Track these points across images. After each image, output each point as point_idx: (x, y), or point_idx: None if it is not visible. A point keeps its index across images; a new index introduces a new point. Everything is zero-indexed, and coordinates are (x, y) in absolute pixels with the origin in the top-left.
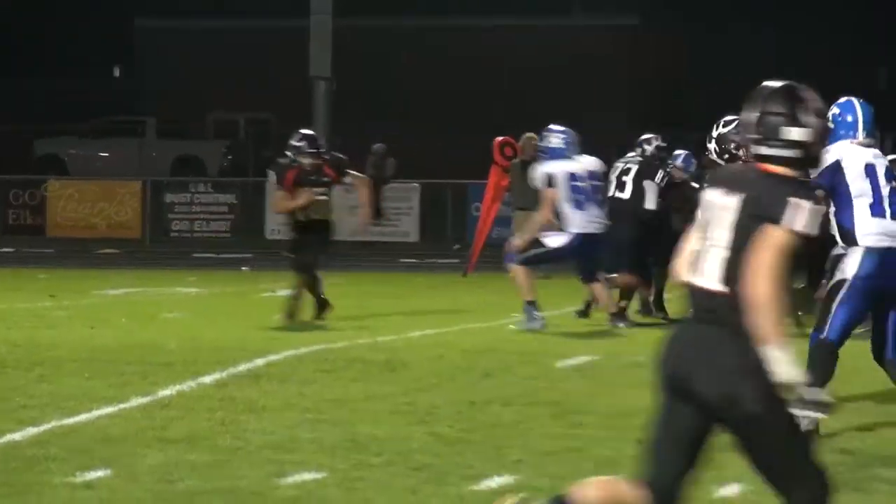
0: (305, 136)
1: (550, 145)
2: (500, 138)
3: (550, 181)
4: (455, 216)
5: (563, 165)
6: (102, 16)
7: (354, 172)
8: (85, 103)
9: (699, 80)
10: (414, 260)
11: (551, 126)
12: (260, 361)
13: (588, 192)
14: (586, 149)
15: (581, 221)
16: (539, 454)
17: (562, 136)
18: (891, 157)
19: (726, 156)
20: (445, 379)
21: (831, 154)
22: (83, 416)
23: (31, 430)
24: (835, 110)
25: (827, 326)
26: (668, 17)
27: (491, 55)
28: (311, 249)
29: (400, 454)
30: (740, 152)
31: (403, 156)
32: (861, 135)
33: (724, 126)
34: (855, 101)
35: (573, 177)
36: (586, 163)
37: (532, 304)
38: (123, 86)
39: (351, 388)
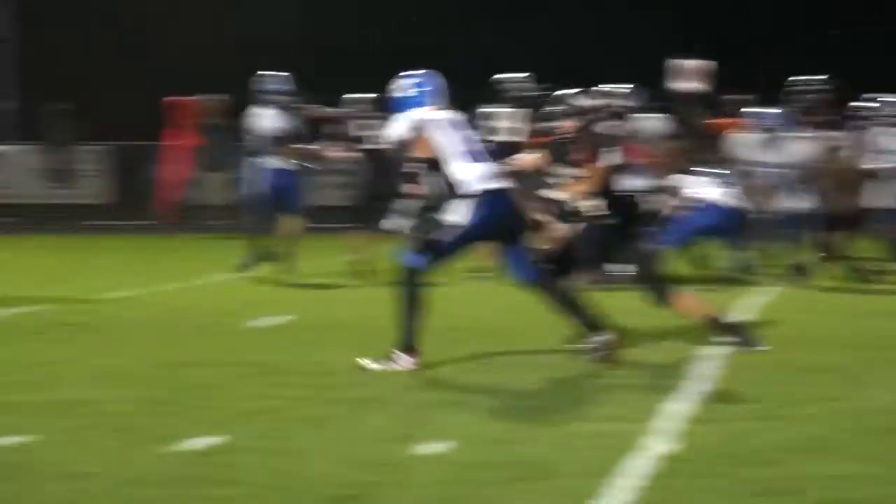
0: None
1: None
2: (175, 99)
3: None
4: (145, 178)
5: None
6: None
7: None
8: None
9: None
10: (104, 222)
11: None
12: None
13: None
14: None
15: None
16: (243, 414)
17: None
18: None
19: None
20: (148, 340)
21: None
22: None
23: None
24: (416, 80)
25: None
26: None
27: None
28: None
29: (103, 416)
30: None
31: (94, 117)
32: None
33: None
34: (432, 73)
35: None
36: None
37: None
38: None
39: (51, 351)
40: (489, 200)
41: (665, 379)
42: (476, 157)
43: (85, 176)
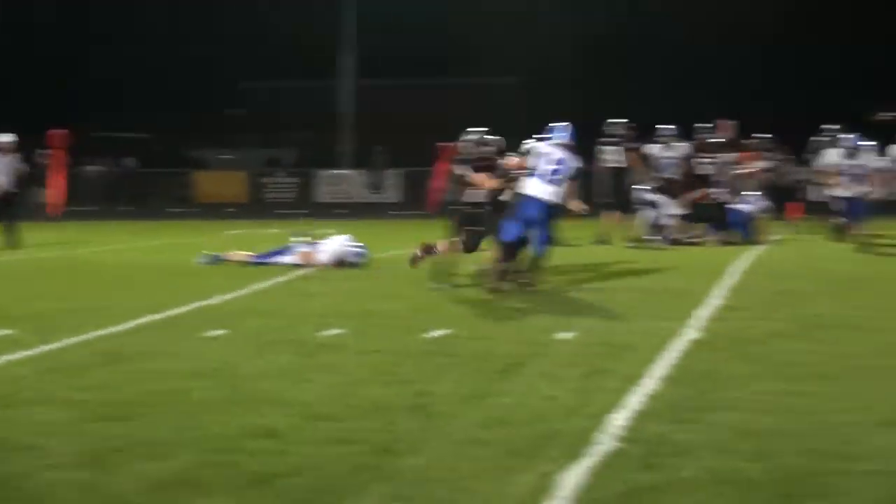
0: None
1: None
2: None
3: None
4: None
5: None
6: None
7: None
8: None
9: None
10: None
11: None
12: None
13: None
14: None
15: None
16: (473, 315)
17: None
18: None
19: None
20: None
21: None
22: (215, 300)
23: (184, 308)
24: (555, 129)
25: (502, 233)
26: None
27: None
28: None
29: (391, 318)
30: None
31: None
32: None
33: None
34: (565, 124)
35: None
36: None
37: None
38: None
39: (367, 284)
40: (526, 202)
41: (694, 297)
42: (543, 178)
43: None
